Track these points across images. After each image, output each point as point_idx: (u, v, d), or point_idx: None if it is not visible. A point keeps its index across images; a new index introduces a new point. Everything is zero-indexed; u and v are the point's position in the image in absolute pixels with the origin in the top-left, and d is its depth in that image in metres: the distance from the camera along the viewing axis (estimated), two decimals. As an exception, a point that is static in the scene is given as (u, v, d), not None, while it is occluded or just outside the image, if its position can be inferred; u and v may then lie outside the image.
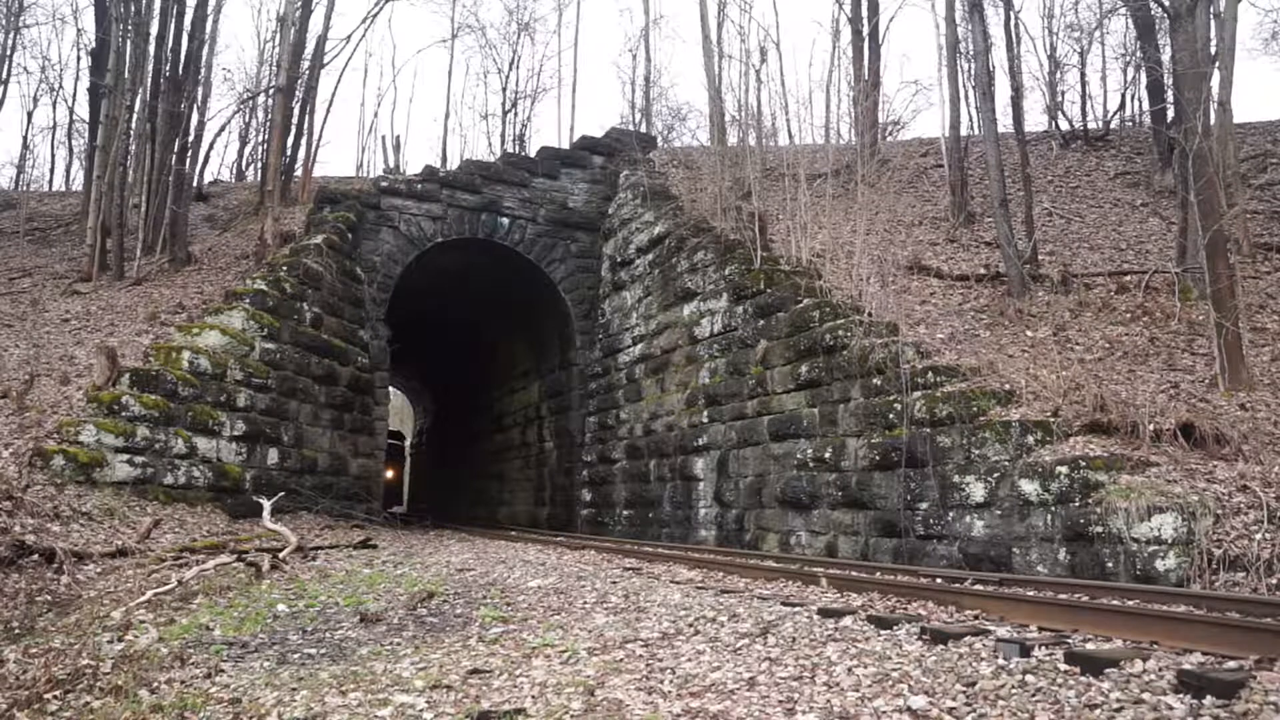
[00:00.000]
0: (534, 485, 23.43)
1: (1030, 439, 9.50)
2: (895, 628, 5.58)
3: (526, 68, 61.53)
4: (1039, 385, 10.45)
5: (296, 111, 26.35)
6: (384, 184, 20.36)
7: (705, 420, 15.40)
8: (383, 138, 58.76)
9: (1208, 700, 3.78)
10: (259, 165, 33.63)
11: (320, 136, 35.52)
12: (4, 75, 32.29)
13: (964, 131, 21.57)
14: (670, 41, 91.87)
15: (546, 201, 21.24)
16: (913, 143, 26.93)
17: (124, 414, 12.39)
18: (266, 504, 12.78)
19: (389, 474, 35.69)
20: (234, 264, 20.06)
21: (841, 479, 11.80)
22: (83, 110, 33.09)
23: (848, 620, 5.89)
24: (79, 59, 37.83)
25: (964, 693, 4.14)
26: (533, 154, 23.30)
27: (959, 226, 18.72)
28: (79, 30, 51.30)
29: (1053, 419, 9.59)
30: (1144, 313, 13.72)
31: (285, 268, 16.59)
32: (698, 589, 7.98)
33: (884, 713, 3.97)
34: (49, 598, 7.30)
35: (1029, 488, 9.15)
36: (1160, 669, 4.25)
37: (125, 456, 12.14)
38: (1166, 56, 18.14)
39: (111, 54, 21.83)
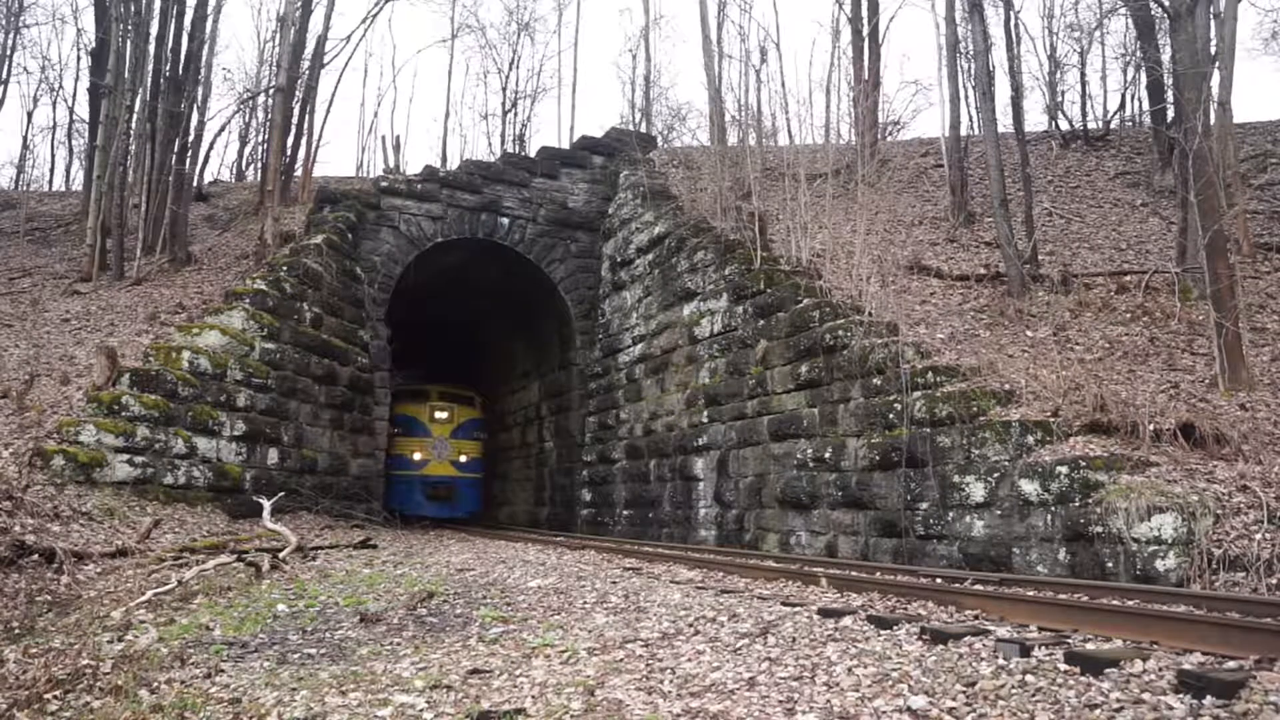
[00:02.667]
0: (534, 485, 23.43)
1: (1030, 439, 9.49)
2: (895, 628, 5.57)
3: (526, 68, 61.67)
4: (1039, 385, 10.44)
5: (296, 111, 26.35)
6: (384, 184, 20.35)
7: (705, 420, 15.40)
8: (383, 138, 58.63)
9: (1208, 700, 3.78)
10: (259, 165, 33.65)
11: (320, 136, 35.55)
12: (4, 75, 32.36)
13: (964, 131, 21.57)
14: (670, 41, 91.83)
15: (546, 201, 21.23)
16: (913, 143, 26.93)
17: (124, 414, 12.40)
18: (266, 504, 12.79)
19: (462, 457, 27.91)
20: (234, 264, 20.07)
21: (841, 479, 11.80)
22: (83, 110, 33.16)
23: (848, 620, 5.89)
24: (79, 59, 37.91)
25: (964, 693, 4.14)
26: (533, 154, 23.28)
27: (959, 226, 18.71)
28: (79, 30, 51.45)
29: (1053, 419, 9.58)
30: (1144, 313, 13.72)
31: (285, 268, 16.59)
32: (698, 589, 7.98)
33: (884, 713, 3.96)
34: (49, 598, 7.29)
35: (1029, 488, 9.15)
36: (1160, 669, 4.25)
37: (125, 456, 12.14)
38: (1166, 56, 18.13)
39: (111, 54, 21.81)
